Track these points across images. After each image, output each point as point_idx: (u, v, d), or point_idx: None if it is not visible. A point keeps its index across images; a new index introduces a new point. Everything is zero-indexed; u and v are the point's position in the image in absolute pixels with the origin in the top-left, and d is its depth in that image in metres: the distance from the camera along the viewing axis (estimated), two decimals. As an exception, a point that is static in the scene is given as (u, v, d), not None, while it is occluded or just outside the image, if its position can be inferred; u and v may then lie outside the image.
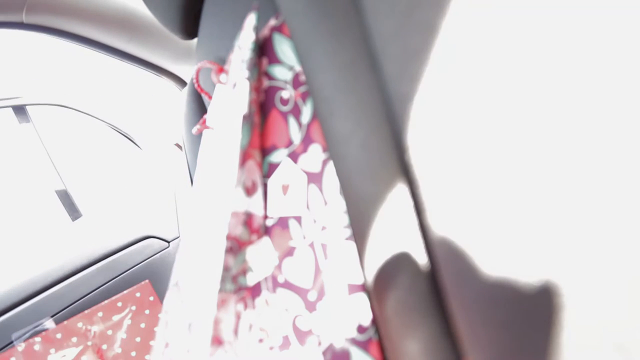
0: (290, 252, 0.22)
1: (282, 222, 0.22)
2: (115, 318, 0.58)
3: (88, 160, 1.21)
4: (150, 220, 1.02)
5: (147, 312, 0.60)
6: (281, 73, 0.22)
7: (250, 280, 0.23)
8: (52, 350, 0.53)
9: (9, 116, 1.09)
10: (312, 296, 0.21)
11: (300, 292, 0.21)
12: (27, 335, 0.58)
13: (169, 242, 1.03)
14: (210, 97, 0.30)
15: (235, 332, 0.23)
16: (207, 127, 0.30)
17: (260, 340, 0.23)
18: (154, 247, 0.99)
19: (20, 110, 1.14)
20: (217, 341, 0.21)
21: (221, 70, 0.26)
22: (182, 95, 0.51)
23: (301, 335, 0.21)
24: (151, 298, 0.61)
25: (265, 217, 0.23)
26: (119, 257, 0.93)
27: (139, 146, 1.14)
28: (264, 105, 0.23)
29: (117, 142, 1.18)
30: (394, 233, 0.17)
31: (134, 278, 0.93)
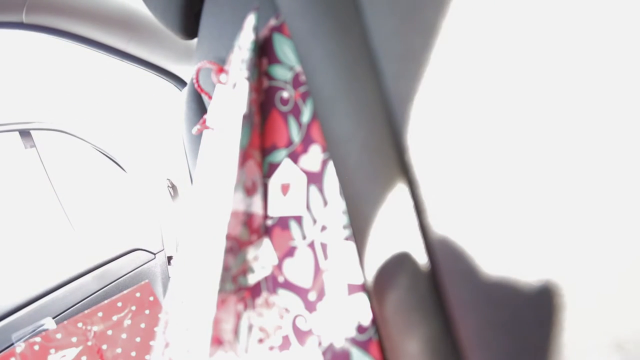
0: (290, 252, 0.22)
1: (282, 222, 0.22)
2: (115, 318, 0.58)
3: (82, 181, 1.28)
4: (137, 234, 1.13)
5: (147, 312, 0.60)
6: (281, 73, 0.22)
7: (250, 280, 0.23)
8: (52, 351, 0.52)
9: (16, 139, 1.17)
10: (312, 296, 0.21)
11: (300, 292, 0.21)
12: (27, 335, 0.58)
13: (154, 254, 1.15)
14: (210, 97, 0.30)
15: (235, 332, 0.23)
16: (207, 127, 0.30)
17: (260, 341, 0.23)
18: (142, 259, 1.11)
19: (26, 135, 1.22)
20: (217, 341, 0.21)
21: (221, 70, 0.26)
22: (182, 95, 0.51)
23: (301, 335, 0.21)
24: (151, 298, 0.61)
25: (265, 217, 0.23)
26: (111, 267, 1.03)
27: (124, 169, 1.19)
28: (264, 105, 0.23)
29: (106, 166, 1.26)
30: (394, 233, 0.17)
31: (124, 285, 1.04)
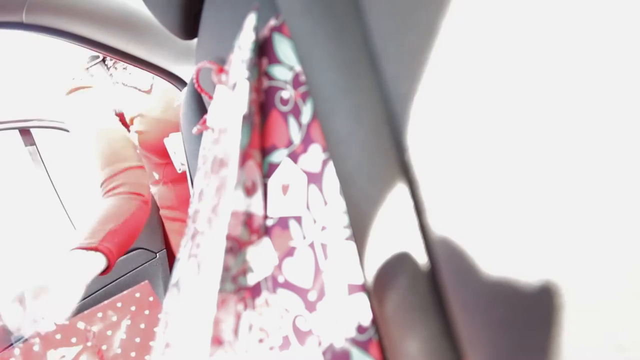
0: (290, 252, 0.22)
1: (282, 222, 0.22)
2: (115, 318, 0.58)
3: (83, 179, 1.28)
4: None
5: (146, 312, 0.60)
6: (281, 73, 0.22)
7: (250, 280, 0.23)
8: (51, 351, 0.52)
9: (15, 137, 1.18)
10: (312, 296, 0.21)
11: (300, 292, 0.21)
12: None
13: (155, 253, 1.15)
14: (210, 97, 0.30)
15: (235, 332, 0.23)
16: (207, 127, 0.30)
17: (260, 341, 0.23)
18: (143, 257, 1.12)
19: (25, 132, 1.22)
20: (217, 341, 0.21)
21: (221, 70, 0.26)
22: (182, 95, 0.51)
23: (301, 336, 0.21)
24: (150, 298, 0.61)
25: (265, 217, 0.23)
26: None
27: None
28: (264, 105, 0.23)
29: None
30: (394, 233, 0.17)
31: (126, 284, 1.05)
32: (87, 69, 0.89)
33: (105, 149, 0.80)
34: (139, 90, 0.90)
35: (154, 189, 1.15)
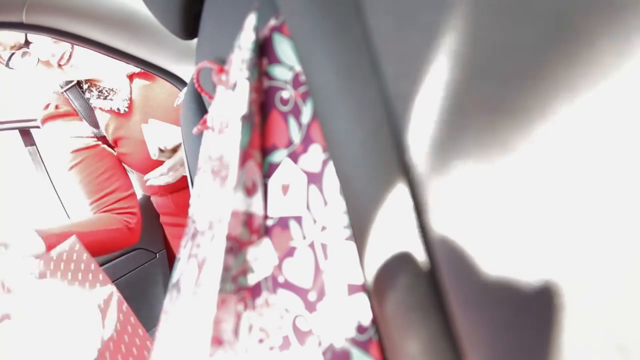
0: (290, 252, 0.22)
1: (282, 223, 0.22)
2: None
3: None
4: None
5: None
6: (281, 73, 0.22)
7: (251, 280, 0.23)
8: None
9: (15, 137, 1.18)
10: (312, 296, 0.21)
11: (301, 292, 0.21)
12: None
13: (155, 253, 1.18)
14: (210, 97, 0.30)
15: (235, 332, 0.23)
16: (207, 127, 0.30)
17: (261, 341, 0.23)
18: (143, 258, 1.14)
19: (26, 133, 1.23)
20: (217, 341, 0.21)
21: (221, 70, 0.26)
22: (182, 95, 0.51)
23: (301, 336, 0.21)
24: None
25: (266, 217, 0.23)
26: (114, 265, 1.06)
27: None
28: (264, 105, 0.23)
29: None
30: (394, 233, 0.17)
31: (127, 283, 1.07)
32: (62, 93, 0.87)
33: (88, 182, 0.79)
34: (118, 112, 0.89)
35: (152, 198, 1.15)
